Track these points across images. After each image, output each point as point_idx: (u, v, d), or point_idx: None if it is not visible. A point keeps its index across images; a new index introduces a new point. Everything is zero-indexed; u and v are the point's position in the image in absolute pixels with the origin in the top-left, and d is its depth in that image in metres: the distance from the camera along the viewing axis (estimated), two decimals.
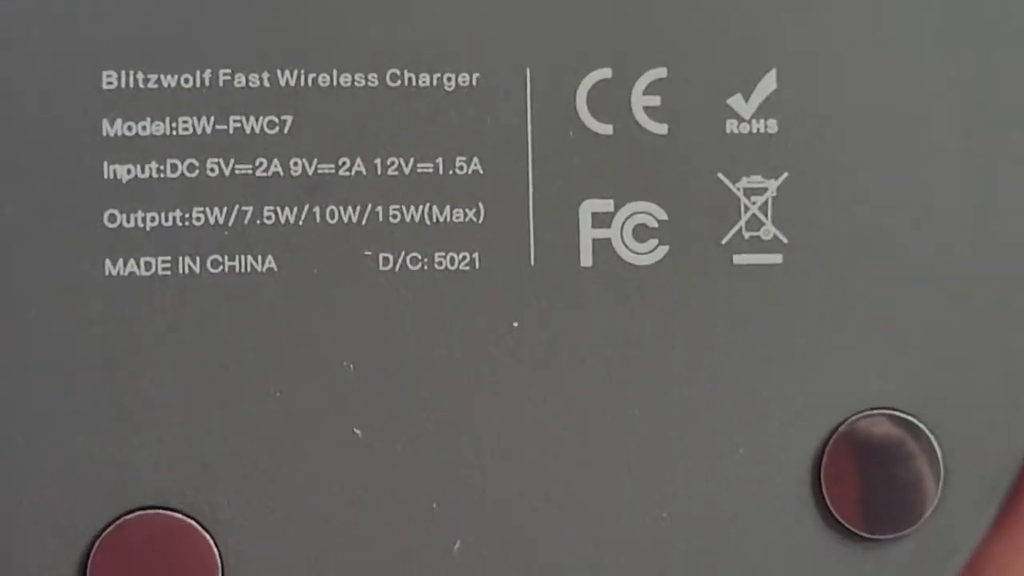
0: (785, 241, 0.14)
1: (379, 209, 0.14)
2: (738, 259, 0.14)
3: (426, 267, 0.14)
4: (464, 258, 0.14)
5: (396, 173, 0.14)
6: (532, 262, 0.14)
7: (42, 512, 0.14)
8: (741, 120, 0.14)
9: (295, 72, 0.14)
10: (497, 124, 0.14)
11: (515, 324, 0.14)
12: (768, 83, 0.14)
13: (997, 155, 0.14)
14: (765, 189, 0.14)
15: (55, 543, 0.14)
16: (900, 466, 0.14)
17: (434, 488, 0.14)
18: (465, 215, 0.14)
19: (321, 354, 0.14)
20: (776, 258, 0.14)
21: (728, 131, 0.14)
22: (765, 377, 0.14)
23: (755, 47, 0.14)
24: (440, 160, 0.14)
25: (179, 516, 0.14)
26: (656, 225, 0.14)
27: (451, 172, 0.14)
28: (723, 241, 0.14)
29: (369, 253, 0.14)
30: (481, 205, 0.14)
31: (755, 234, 0.14)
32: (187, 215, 0.14)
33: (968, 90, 0.15)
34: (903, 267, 0.14)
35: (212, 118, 0.14)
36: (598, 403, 0.14)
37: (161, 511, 0.14)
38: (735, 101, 0.14)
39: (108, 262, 0.13)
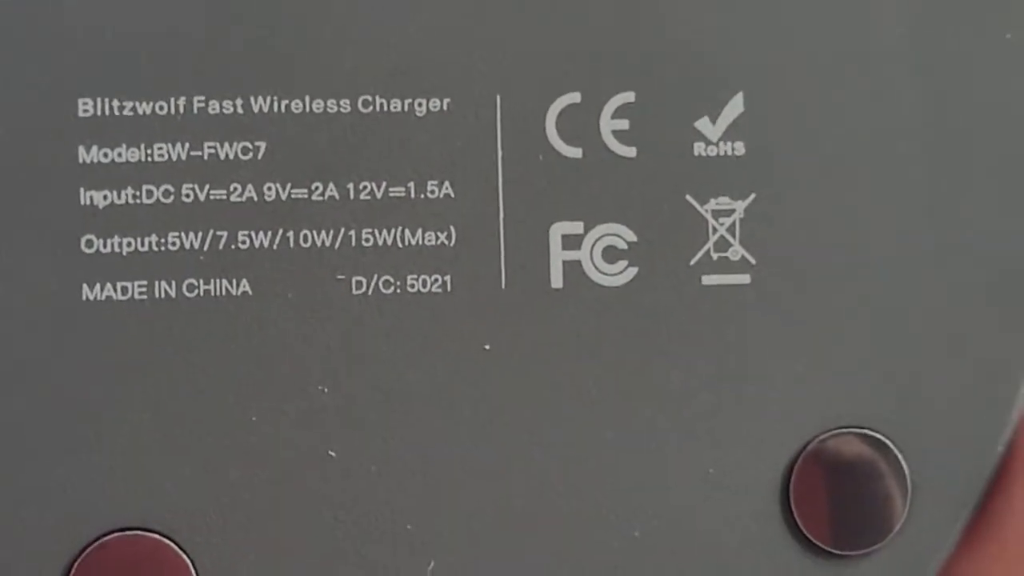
0: (753, 262, 0.14)
1: (352, 233, 0.14)
2: (706, 280, 0.14)
3: (398, 290, 0.14)
4: (436, 281, 0.14)
5: (368, 197, 0.14)
6: (503, 285, 0.14)
7: (21, 533, 0.14)
8: (708, 143, 0.14)
9: (268, 99, 0.14)
10: (468, 148, 0.14)
11: (487, 347, 0.14)
12: (735, 106, 0.14)
13: (962, 177, 0.15)
14: (733, 211, 0.14)
15: (35, 564, 0.14)
16: (868, 484, 0.14)
17: (408, 509, 0.14)
18: (437, 238, 0.14)
19: (296, 377, 0.14)
20: (744, 278, 0.14)
21: (696, 153, 0.14)
22: (734, 396, 0.14)
23: (722, 70, 0.14)
24: (412, 184, 0.14)
25: (157, 537, 0.14)
26: (625, 247, 0.14)
27: (422, 196, 0.14)
28: (692, 262, 0.14)
29: (342, 277, 0.14)
30: (452, 228, 0.14)
31: (723, 255, 0.14)
32: (163, 240, 0.14)
33: (934, 112, 0.15)
34: (871, 288, 0.15)
35: (187, 144, 0.14)
36: (569, 424, 0.14)
37: (139, 532, 0.14)
38: (702, 124, 0.14)
39: (85, 287, 0.14)
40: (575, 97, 0.14)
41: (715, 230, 0.14)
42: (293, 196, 0.14)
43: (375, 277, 0.14)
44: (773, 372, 0.14)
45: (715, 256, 0.14)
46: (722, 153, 0.14)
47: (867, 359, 0.15)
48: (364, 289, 0.14)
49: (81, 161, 0.14)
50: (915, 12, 0.15)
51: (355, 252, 0.14)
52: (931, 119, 0.15)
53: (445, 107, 0.14)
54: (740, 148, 0.14)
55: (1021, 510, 0.15)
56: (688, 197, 0.14)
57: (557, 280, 0.14)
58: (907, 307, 0.15)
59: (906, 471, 0.14)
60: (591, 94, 0.14)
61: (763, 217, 0.14)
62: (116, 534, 0.14)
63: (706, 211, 0.14)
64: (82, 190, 0.14)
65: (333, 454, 0.14)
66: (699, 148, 0.14)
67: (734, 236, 0.14)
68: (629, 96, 0.14)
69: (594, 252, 0.14)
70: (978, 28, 0.15)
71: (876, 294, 0.15)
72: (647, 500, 0.14)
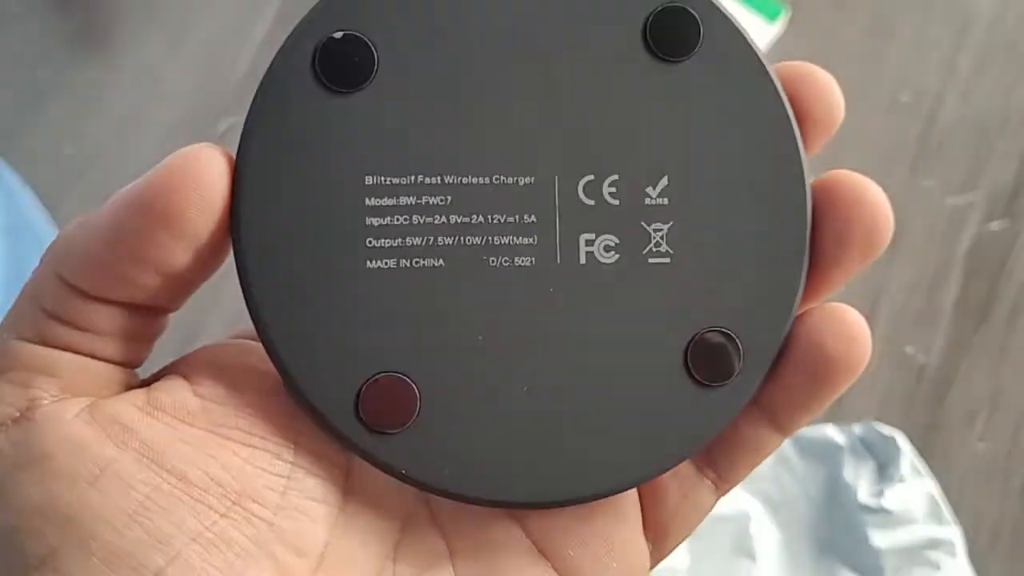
0: (672, 252, 0.17)
1: (490, 238, 0.16)
2: (650, 260, 0.17)
3: (512, 264, 0.16)
4: (528, 259, 0.16)
5: (497, 222, 0.16)
6: (558, 261, 0.17)
7: (344, 376, 0.16)
8: (651, 198, 0.17)
9: (452, 176, 0.16)
10: (542, 199, 0.16)
11: (551, 289, 0.17)
12: (664, 181, 0.17)
13: (763, 212, 0.16)
14: (662, 229, 0.17)
15: (346, 384, 0.16)
16: (723, 353, 0.17)
17: (527, 362, 0.16)
18: (528, 240, 0.16)
19: (467, 302, 0.16)
20: (667, 260, 0.17)
21: (646, 203, 0.17)
22: (665, 313, 0.17)
23: (658, 164, 0.17)
24: (517, 216, 0.16)
25: (402, 376, 0.16)
26: (614, 245, 0.17)
27: (523, 221, 0.16)
28: (643, 252, 0.17)
29: (485, 258, 0.16)
30: (536, 235, 0.16)
31: (658, 249, 0.17)
32: (403, 241, 0.16)
33: (749, 184, 0.17)
34: (721, 261, 0.16)
35: (413, 198, 0.16)
36: (583, 316, 0.16)
37: (393, 373, 0.16)
38: (649, 189, 0.17)
39: (368, 261, 0.16)
40: (591, 177, 0.17)
41: (653, 237, 0.17)
42: (462, 221, 0.16)
43: (501, 257, 0.16)
44: (681, 301, 0.17)
45: (654, 250, 0.17)
46: (658, 203, 0.17)
47: (725, 292, 0.17)
48: (496, 263, 0.16)
49: (367, 204, 0.16)
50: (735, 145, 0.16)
51: (491, 246, 0.16)
52: (754, 188, 0.17)
53: (532, 181, 0.17)
54: (666, 201, 0.17)
55: (792, 359, 0.16)
56: (642, 223, 0.17)
57: (583, 260, 0.17)
58: (742, 267, 0.17)
59: (740, 346, 0.17)
60: (599, 176, 0.17)
61: (676, 232, 0.17)
62: (383, 374, 0.16)
63: (650, 229, 0.17)
64: (367, 217, 0.16)
65: (481, 338, 0.16)
66: (647, 200, 0.17)
67: (663, 240, 0.17)
68: (616, 176, 0.17)
69: (599, 247, 0.17)
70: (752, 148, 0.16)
71: (725, 263, 0.16)
72: (609, 360, 0.16)
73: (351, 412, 0.16)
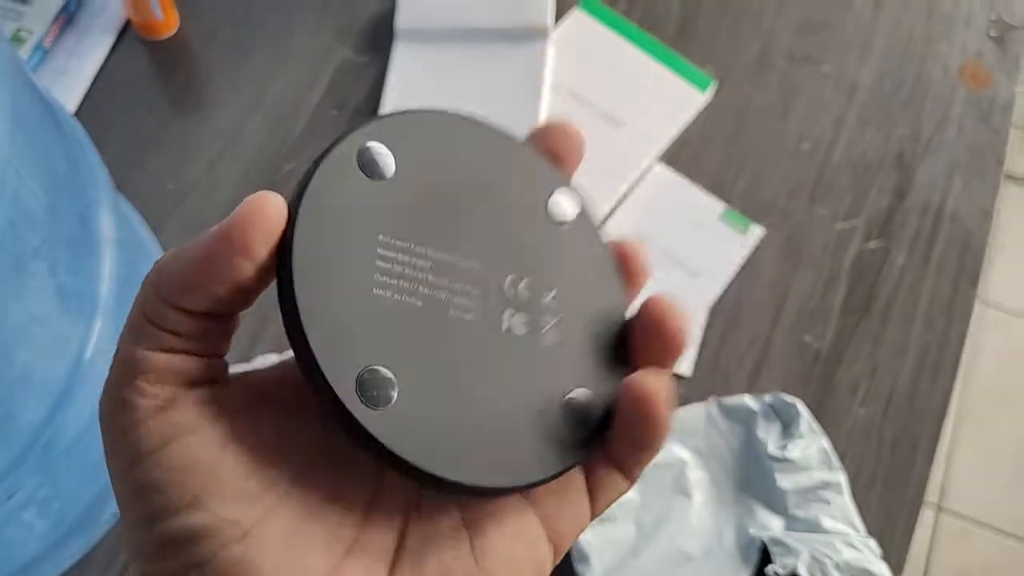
0: (558, 337, 0.18)
1: (452, 297, 0.17)
2: (544, 342, 0.18)
3: (463, 316, 0.17)
4: (473, 316, 0.17)
5: (457, 288, 0.17)
6: (489, 324, 0.17)
7: (349, 366, 0.15)
8: (546, 300, 0.18)
9: (433, 250, 0.17)
10: (485, 280, 0.17)
11: (485, 341, 0.17)
12: (553, 292, 0.18)
13: (606, 316, 0.18)
14: (552, 321, 0.18)
15: (348, 371, 0.15)
16: (586, 403, 0.17)
17: (463, 381, 0.16)
18: (475, 304, 0.17)
19: (432, 333, 0.16)
20: (555, 341, 0.18)
21: (543, 302, 0.18)
22: (552, 373, 0.17)
23: (550, 281, 0.18)
24: (469, 287, 0.17)
25: (386, 371, 0.16)
26: (524, 322, 0.18)
27: (472, 292, 0.17)
28: (542, 332, 0.18)
29: (447, 309, 0.17)
30: (479, 302, 0.17)
31: (549, 333, 0.18)
32: (398, 283, 0.16)
33: (596, 297, 0.18)
34: (585, 347, 0.18)
35: (409, 258, 0.17)
36: (500, 369, 0.17)
37: (380, 369, 0.16)
38: (546, 293, 0.18)
39: (376, 290, 0.16)
40: (514, 276, 0.18)
41: (546, 326, 0.18)
42: (436, 280, 0.17)
43: (457, 310, 0.17)
44: (561, 368, 0.17)
45: (547, 333, 0.18)
46: (550, 304, 0.18)
47: (585, 364, 0.18)
48: (454, 313, 0.17)
49: (379, 253, 0.16)
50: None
51: (452, 302, 0.17)
52: (598, 305, 0.18)
53: (480, 267, 0.17)
54: (555, 304, 0.18)
55: (623, 411, 0.17)
56: (541, 314, 0.18)
57: (504, 327, 0.17)
58: (595, 351, 0.18)
59: (594, 399, 0.17)
60: (517, 276, 0.18)
61: (560, 325, 0.18)
62: (374, 368, 0.16)
63: (545, 319, 0.18)
64: (378, 261, 0.16)
65: (438, 358, 0.16)
66: (544, 300, 0.18)
67: (553, 328, 0.18)
68: (528, 280, 0.18)
69: (516, 322, 0.17)
70: None
71: (587, 349, 0.18)
72: (521, 398, 0.17)
73: (354, 392, 0.16)
